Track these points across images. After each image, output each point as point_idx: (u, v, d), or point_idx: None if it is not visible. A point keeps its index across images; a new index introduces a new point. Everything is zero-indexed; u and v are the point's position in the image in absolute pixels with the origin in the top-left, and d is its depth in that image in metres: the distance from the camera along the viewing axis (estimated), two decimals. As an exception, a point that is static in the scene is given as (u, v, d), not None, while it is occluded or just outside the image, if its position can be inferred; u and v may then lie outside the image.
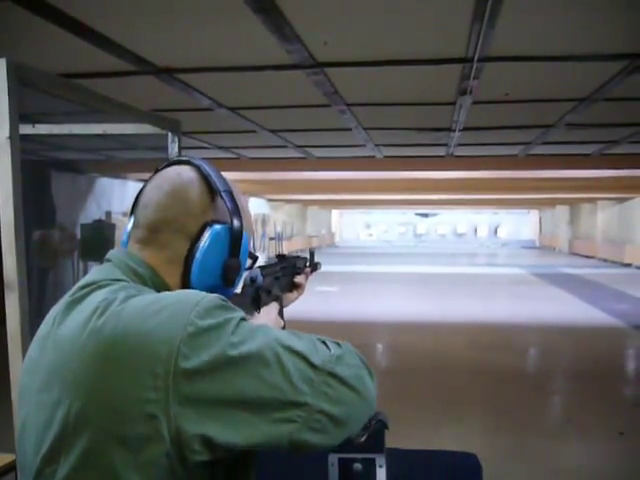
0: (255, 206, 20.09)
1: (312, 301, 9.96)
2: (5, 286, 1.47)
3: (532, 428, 4.43)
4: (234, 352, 0.83)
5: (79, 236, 8.86)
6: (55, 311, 0.93)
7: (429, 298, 11.75)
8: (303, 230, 28.65)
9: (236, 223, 0.99)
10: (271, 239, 21.70)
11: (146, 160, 6.52)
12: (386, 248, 30.79)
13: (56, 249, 7.98)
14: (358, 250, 28.90)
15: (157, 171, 1.03)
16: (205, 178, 0.99)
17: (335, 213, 35.47)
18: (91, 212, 9.74)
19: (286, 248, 22.14)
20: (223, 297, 0.89)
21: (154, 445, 0.80)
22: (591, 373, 6.09)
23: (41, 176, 8.13)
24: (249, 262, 1.10)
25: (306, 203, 26.70)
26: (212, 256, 0.97)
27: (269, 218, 22.37)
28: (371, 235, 37.37)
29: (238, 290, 1.11)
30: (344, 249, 30.13)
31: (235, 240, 0.99)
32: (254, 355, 0.84)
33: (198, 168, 1.00)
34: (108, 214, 10.17)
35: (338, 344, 0.95)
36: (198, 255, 0.96)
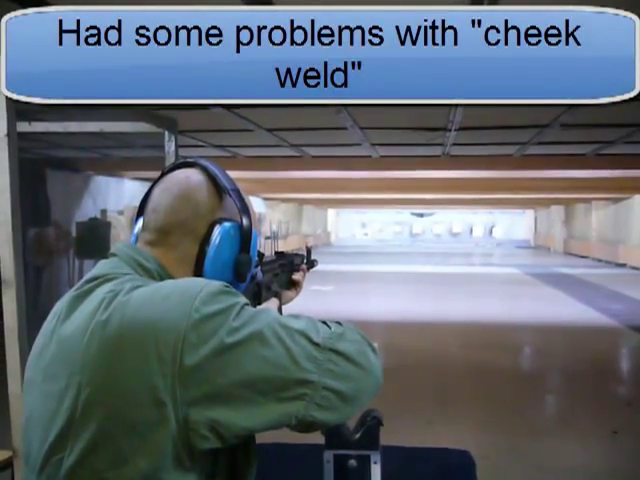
0: (251, 205, 20.07)
1: (307, 300, 9.94)
2: (2, 282, 1.48)
3: (526, 426, 4.45)
4: (234, 338, 0.84)
5: (74, 234, 8.85)
6: (60, 305, 0.94)
7: (424, 297, 11.77)
8: (299, 229, 28.65)
9: (245, 220, 1.00)
10: (267, 238, 21.69)
11: (143, 158, 6.53)
12: (381, 247, 30.82)
13: (51, 247, 7.97)
14: (354, 249, 28.92)
15: (163, 174, 1.04)
16: (212, 179, 1.01)
17: (331, 212, 35.48)
18: (87, 210, 9.73)
19: (282, 247, 22.15)
20: (226, 284, 0.91)
21: (161, 430, 0.82)
22: (585, 372, 6.11)
23: (37, 174, 8.12)
24: (256, 259, 1.10)
25: (302, 202, 26.70)
26: (224, 252, 0.98)
27: (265, 217, 22.36)
28: (367, 234, 37.40)
29: None
30: (340, 248, 30.14)
31: (245, 236, 1.00)
32: (255, 337, 0.85)
33: (205, 169, 1.02)
34: (103, 212, 10.16)
35: (339, 323, 0.97)
36: (210, 251, 0.97)
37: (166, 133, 2.25)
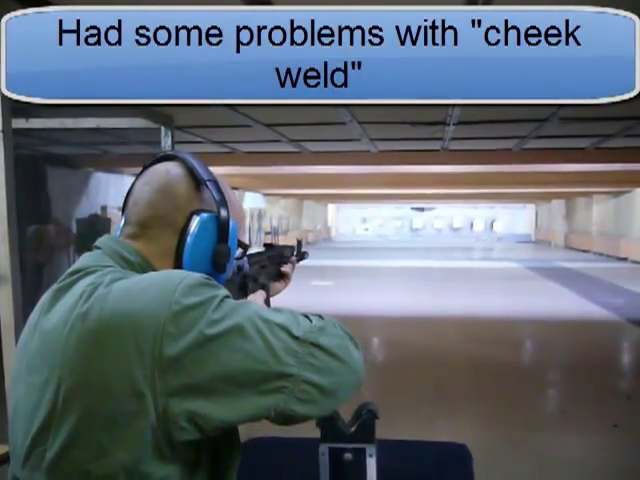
0: (251, 201, 20.07)
1: (308, 296, 9.96)
2: (-2, 278, 1.49)
3: (526, 420, 4.46)
4: (213, 330, 0.84)
5: (75, 231, 8.88)
6: (44, 298, 0.95)
7: (425, 292, 11.78)
8: (299, 224, 28.66)
9: (223, 211, 1.00)
10: (267, 233, 21.71)
11: (142, 155, 6.53)
12: (382, 242, 30.82)
13: (51, 243, 7.99)
14: (354, 244, 28.92)
15: (145, 167, 1.05)
16: (191, 171, 1.01)
17: (331, 207, 35.48)
18: (87, 207, 9.74)
19: (282, 242, 22.13)
20: (207, 276, 0.91)
21: (140, 421, 0.83)
22: (585, 366, 6.12)
23: (37, 171, 8.13)
24: (240, 251, 1.11)
25: (302, 197, 26.71)
26: (202, 242, 0.99)
27: (265, 213, 22.37)
28: (367, 229, 37.40)
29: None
30: (340, 243, 30.15)
31: (223, 227, 1.01)
32: (235, 330, 0.86)
33: (184, 162, 1.02)
34: (104, 209, 10.17)
35: (320, 316, 0.97)
36: (189, 240, 0.98)
37: (162, 129, 2.26)
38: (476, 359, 6.35)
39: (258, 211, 21.54)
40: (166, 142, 2.30)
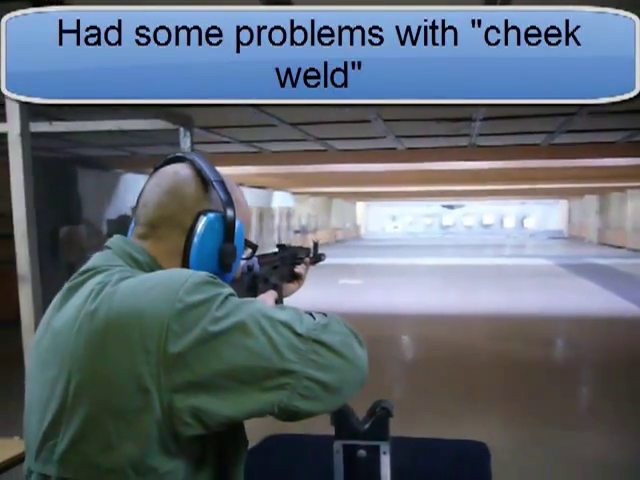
0: (280, 199, 20.16)
1: (336, 294, 9.98)
2: (19, 278, 1.52)
3: (555, 419, 4.41)
4: (216, 327, 0.86)
5: (106, 232, 9.04)
6: (56, 297, 0.99)
7: (455, 290, 11.69)
8: (328, 223, 28.67)
9: (229, 211, 1.02)
10: (296, 232, 21.77)
11: (166, 156, 6.61)
12: (412, 240, 30.66)
13: (83, 244, 8.15)
14: (383, 242, 28.84)
15: (156, 169, 1.08)
16: (199, 172, 1.03)
17: (360, 205, 35.40)
18: (117, 208, 9.90)
19: (311, 241, 22.15)
20: (212, 275, 0.93)
21: (146, 416, 0.85)
22: (617, 364, 6.02)
23: (68, 173, 8.30)
24: (249, 251, 1.12)
25: (331, 195, 26.71)
26: (208, 241, 1.01)
27: (294, 211, 22.44)
28: (396, 227, 37.23)
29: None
30: (369, 242, 30.09)
31: (229, 226, 1.02)
32: (237, 327, 0.87)
33: (192, 163, 1.04)
34: (133, 209, 10.32)
35: (324, 314, 0.98)
36: (195, 240, 1.00)
37: (181, 130, 2.29)
38: (506, 357, 6.28)
39: (287, 210, 21.61)
40: (185, 143, 2.32)
